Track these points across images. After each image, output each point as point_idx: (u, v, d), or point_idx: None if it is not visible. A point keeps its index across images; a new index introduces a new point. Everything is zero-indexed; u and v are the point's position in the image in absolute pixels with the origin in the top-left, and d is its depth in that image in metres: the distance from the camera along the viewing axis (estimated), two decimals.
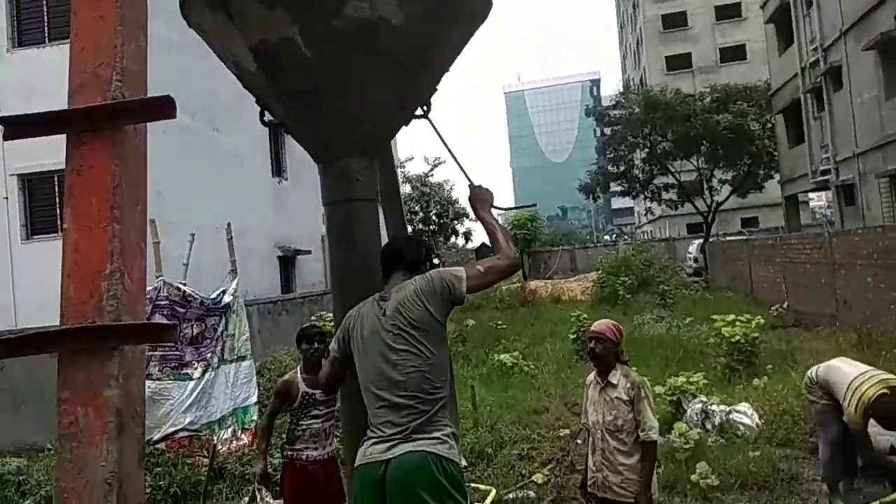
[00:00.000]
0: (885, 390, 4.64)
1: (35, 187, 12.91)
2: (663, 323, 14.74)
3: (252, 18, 2.48)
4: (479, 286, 2.72)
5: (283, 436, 4.75)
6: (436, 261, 30.43)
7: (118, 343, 1.57)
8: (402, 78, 2.78)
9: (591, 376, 4.17)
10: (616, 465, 3.88)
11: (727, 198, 29.71)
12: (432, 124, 3.20)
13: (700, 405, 7.42)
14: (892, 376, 4.83)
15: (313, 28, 2.45)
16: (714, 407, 7.37)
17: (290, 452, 4.56)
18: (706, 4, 47.24)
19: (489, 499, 6.04)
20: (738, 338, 9.74)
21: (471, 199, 3.01)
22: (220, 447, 7.45)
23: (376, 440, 2.57)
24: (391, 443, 2.53)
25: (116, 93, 1.70)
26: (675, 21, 47.96)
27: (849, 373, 5.02)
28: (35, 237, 12.86)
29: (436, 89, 3.08)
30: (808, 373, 5.66)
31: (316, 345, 4.59)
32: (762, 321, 10.55)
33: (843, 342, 11.01)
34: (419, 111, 3.12)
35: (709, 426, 7.17)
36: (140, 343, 1.62)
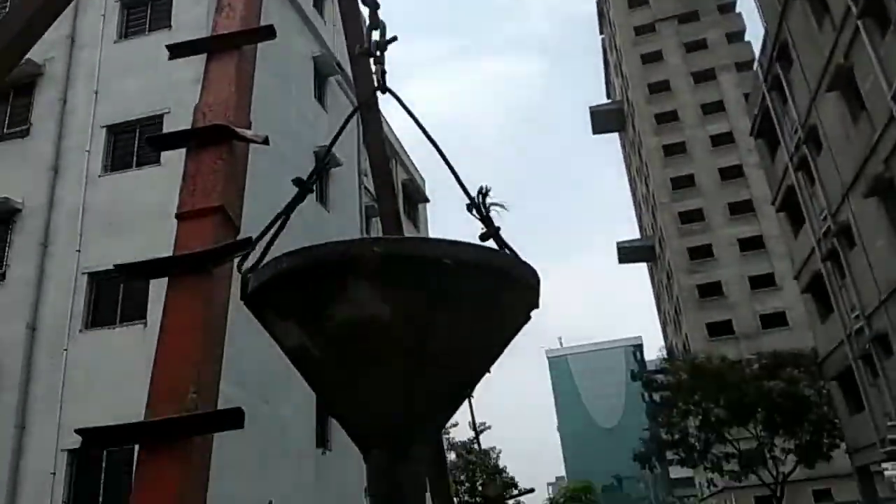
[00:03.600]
0: None
1: (82, 466, 12.97)
2: None
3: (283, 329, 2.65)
4: None
5: None
6: None
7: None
8: (453, 374, 2.90)
9: None
10: None
11: (793, 469, 27.91)
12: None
13: None
14: None
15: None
16: None
17: None
18: (740, 274, 48.92)
19: None
20: None
21: None
22: None
23: None
24: None
25: (191, 405, 1.84)
26: (711, 290, 49.39)
27: None
28: None
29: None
30: None
31: None
32: None
33: None
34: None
35: None
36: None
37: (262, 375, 15.12)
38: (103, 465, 12.55)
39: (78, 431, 1.90)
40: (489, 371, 3.08)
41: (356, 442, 3.16)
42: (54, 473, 12.73)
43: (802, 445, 27.46)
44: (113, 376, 12.40)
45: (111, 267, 12.67)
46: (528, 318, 3.09)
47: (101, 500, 12.49)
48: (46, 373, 13.61)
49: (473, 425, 36.35)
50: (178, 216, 2.33)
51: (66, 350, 13.62)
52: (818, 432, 26.98)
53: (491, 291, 2.75)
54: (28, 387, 13.56)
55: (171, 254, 2.20)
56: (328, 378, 2.84)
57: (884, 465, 21.30)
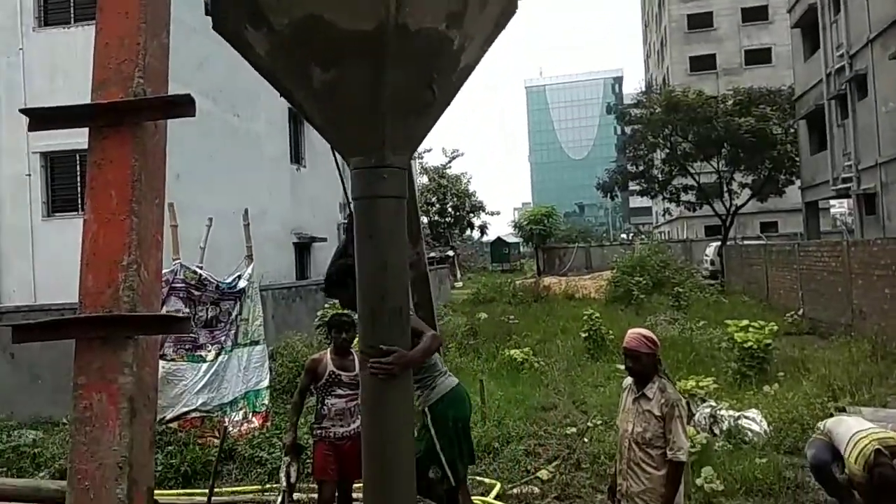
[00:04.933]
0: (879, 447, 4.73)
1: (57, 165, 13.09)
2: (676, 325, 14.69)
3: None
4: None
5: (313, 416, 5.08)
6: (451, 253, 30.18)
7: (133, 333, 1.62)
8: (437, 76, 2.80)
9: (628, 381, 4.12)
10: (640, 476, 3.85)
11: (746, 201, 29.47)
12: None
13: (709, 409, 7.41)
14: (891, 435, 4.91)
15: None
16: (723, 412, 7.36)
17: (318, 430, 4.86)
18: (733, 6, 46.68)
19: (494, 492, 6.09)
20: (750, 343, 9.70)
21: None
22: (231, 429, 7.55)
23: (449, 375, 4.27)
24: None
25: (138, 89, 1.74)
26: (700, 21, 47.45)
27: (852, 426, 5.17)
28: (56, 214, 13.05)
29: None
30: (819, 424, 5.86)
31: (344, 334, 4.88)
32: (776, 328, 10.48)
33: (857, 352, 10.93)
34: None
35: (716, 431, 7.17)
36: (154, 334, 1.67)
37: (232, 89, 14.78)
38: (77, 167, 12.70)
39: (23, 112, 1.81)
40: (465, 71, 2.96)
41: (339, 150, 3.15)
42: (30, 175, 12.91)
43: (760, 180, 28.68)
44: (73, 75, 11.97)
45: None
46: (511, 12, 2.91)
47: (79, 200, 12.86)
48: (5, 72, 13.10)
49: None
50: None
51: (21, 49, 12.96)
52: (777, 169, 28.03)
53: None
54: None
55: None
56: (299, 84, 2.73)
57: (832, 202, 22.57)
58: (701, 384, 7.81)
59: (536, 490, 6.25)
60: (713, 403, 7.53)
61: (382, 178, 2.97)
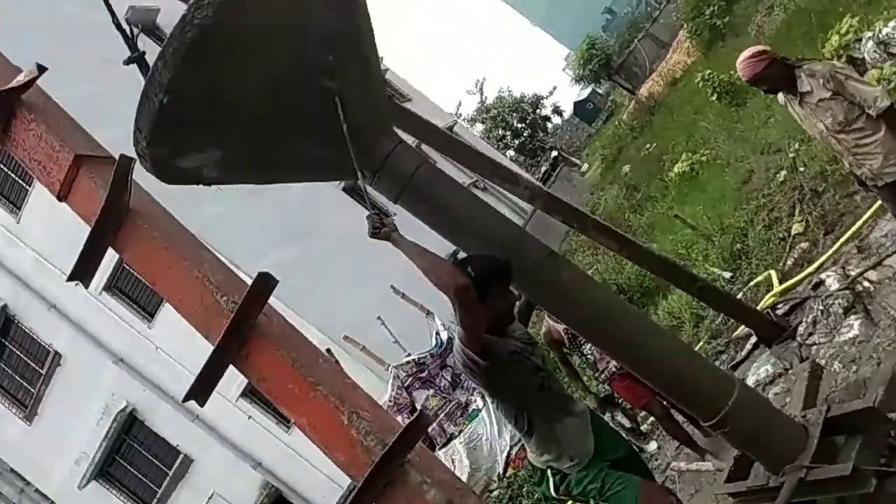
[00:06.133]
0: None
1: None
2: (779, 11, 13.44)
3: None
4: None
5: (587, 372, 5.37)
6: (553, 153, 29.37)
7: (400, 460, 1.72)
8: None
9: (781, 97, 3.89)
10: (868, 151, 3.60)
11: None
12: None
13: (870, 43, 6.68)
14: None
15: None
16: (885, 31, 6.60)
17: (603, 376, 4.97)
18: None
19: (775, 282, 5.81)
20: None
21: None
22: None
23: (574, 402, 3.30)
24: None
25: (230, 306, 1.86)
26: None
27: None
28: None
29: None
30: None
31: None
32: None
33: None
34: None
35: (893, 51, 6.43)
36: (413, 445, 1.76)
37: (296, 220, 14.60)
38: None
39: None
40: None
41: (343, 178, 3.21)
42: None
43: None
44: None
45: None
46: None
47: None
48: None
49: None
50: None
51: None
52: None
53: None
54: None
55: None
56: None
57: None
58: (842, 32, 7.08)
59: (804, 245, 5.92)
60: (868, 34, 6.79)
61: (396, 162, 2.88)
